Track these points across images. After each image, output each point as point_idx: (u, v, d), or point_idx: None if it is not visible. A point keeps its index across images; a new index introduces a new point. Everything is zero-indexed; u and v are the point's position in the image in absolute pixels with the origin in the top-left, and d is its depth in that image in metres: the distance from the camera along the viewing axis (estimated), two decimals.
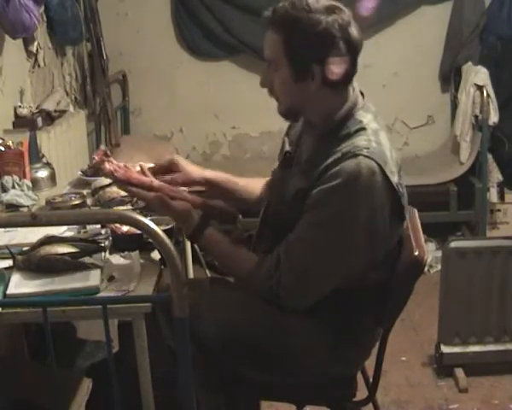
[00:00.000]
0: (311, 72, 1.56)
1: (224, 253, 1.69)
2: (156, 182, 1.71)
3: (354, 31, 1.57)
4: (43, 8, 3.23)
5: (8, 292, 1.61)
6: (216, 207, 1.71)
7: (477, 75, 3.83)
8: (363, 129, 1.58)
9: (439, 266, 3.11)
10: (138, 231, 1.53)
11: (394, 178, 1.55)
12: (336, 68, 1.56)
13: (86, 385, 1.93)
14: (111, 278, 1.68)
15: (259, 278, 1.61)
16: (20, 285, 1.64)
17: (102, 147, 1.73)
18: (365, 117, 1.61)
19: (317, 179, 1.55)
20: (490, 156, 3.93)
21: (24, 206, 2.22)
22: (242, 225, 1.75)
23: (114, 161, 1.72)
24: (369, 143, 1.54)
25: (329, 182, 1.52)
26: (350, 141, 1.55)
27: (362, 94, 1.66)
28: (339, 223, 1.53)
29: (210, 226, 1.67)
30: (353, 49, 1.57)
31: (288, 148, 1.78)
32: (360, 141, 1.55)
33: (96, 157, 1.69)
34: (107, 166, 1.69)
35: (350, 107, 1.61)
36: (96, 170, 1.71)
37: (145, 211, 2.07)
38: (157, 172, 1.79)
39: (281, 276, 1.58)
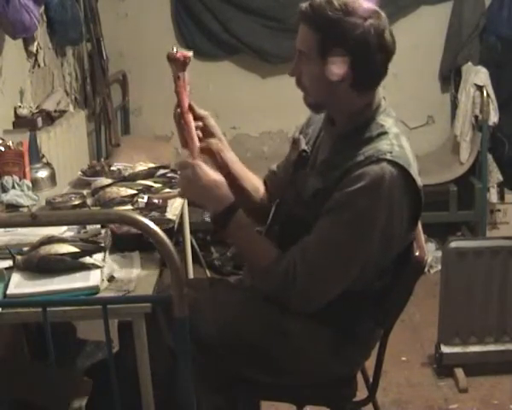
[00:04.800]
0: None
1: (249, 239, 1.65)
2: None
3: (389, 35, 1.57)
4: (43, 8, 3.23)
5: (8, 292, 1.61)
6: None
7: (477, 75, 3.83)
8: (385, 133, 1.58)
9: (439, 266, 3.11)
10: (138, 232, 1.53)
11: (419, 181, 1.56)
12: (366, 72, 1.57)
13: (86, 385, 1.93)
14: (111, 278, 1.68)
15: (275, 274, 1.60)
16: (20, 285, 1.64)
17: (190, 53, 1.74)
18: (386, 121, 1.61)
19: (337, 181, 1.55)
20: (490, 156, 3.93)
21: (24, 206, 2.22)
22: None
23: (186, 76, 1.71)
24: (391, 146, 1.54)
25: (352, 185, 1.51)
26: (372, 145, 1.55)
27: (384, 99, 1.66)
28: (358, 226, 1.53)
29: (240, 209, 1.65)
30: (386, 54, 1.58)
31: (304, 146, 1.77)
32: (383, 145, 1.55)
33: (180, 56, 1.70)
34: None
35: (373, 110, 1.62)
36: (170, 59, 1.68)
37: (144, 211, 2.08)
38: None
39: (296, 276, 1.56)
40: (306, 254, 1.57)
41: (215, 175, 1.65)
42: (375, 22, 1.54)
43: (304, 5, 1.60)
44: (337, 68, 1.54)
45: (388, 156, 1.52)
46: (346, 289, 1.60)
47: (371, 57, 1.56)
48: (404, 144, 1.58)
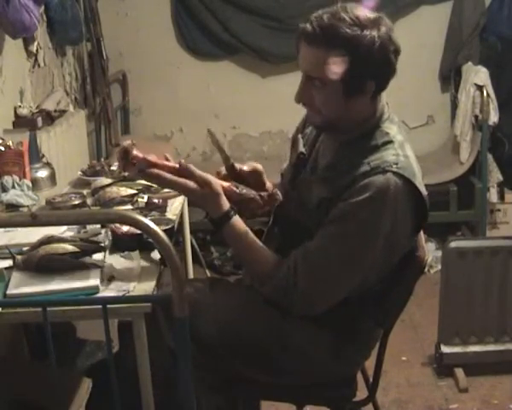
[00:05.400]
0: (364, 87, 1.54)
1: (246, 246, 1.64)
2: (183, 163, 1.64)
3: (395, 38, 1.55)
4: (43, 8, 3.23)
5: (8, 292, 1.61)
6: (243, 190, 1.67)
7: (477, 75, 3.83)
8: (391, 142, 1.57)
9: (439, 266, 3.12)
10: (138, 231, 1.53)
11: (423, 190, 1.55)
12: (385, 80, 1.57)
13: (86, 385, 1.93)
14: (111, 278, 1.68)
15: (276, 280, 1.59)
16: (20, 285, 1.64)
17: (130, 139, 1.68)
18: (391, 129, 1.60)
19: (342, 190, 1.54)
20: (490, 156, 3.93)
21: (24, 206, 2.22)
22: None
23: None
24: (397, 157, 1.54)
25: (357, 195, 1.50)
26: (378, 154, 1.55)
27: (387, 104, 1.65)
28: (362, 237, 1.53)
29: (237, 215, 1.63)
30: (397, 56, 1.57)
31: (302, 148, 1.75)
32: (388, 156, 1.54)
33: (125, 144, 1.63)
34: (135, 151, 1.62)
35: (378, 117, 1.61)
36: (124, 153, 1.62)
37: (144, 211, 2.08)
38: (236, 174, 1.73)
39: (297, 282, 1.56)
40: (308, 261, 1.56)
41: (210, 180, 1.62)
42: (386, 28, 1.52)
43: (308, 26, 1.52)
44: (337, 68, 1.53)
45: (394, 168, 1.51)
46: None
47: (390, 64, 1.55)
48: (408, 153, 1.58)
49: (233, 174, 1.72)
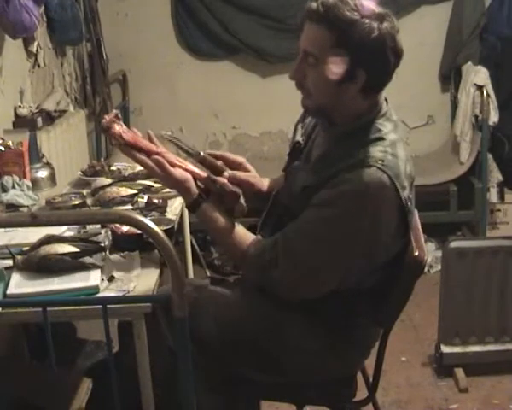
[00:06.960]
0: (354, 74, 1.54)
1: (220, 229, 1.66)
2: (163, 149, 1.69)
3: (399, 39, 1.56)
4: (43, 8, 3.23)
5: (8, 292, 1.61)
6: (218, 182, 1.68)
7: (477, 75, 3.83)
8: (382, 139, 1.57)
9: (439, 266, 3.12)
10: (138, 231, 1.53)
11: (404, 193, 1.54)
12: (378, 77, 1.57)
13: (86, 385, 1.93)
14: (111, 278, 1.68)
15: (254, 256, 1.60)
16: (20, 285, 1.64)
17: (115, 111, 1.73)
18: (386, 126, 1.60)
19: (326, 179, 1.54)
20: (490, 156, 3.93)
21: (24, 206, 2.22)
22: (245, 203, 1.71)
23: (124, 125, 1.69)
24: (384, 155, 1.53)
25: (339, 186, 1.50)
26: (367, 149, 1.54)
27: (385, 101, 1.65)
28: (341, 226, 1.52)
29: (209, 201, 1.66)
30: (398, 59, 1.57)
31: (299, 137, 1.77)
32: (376, 152, 1.54)
33: (107, 117, 1.67)
34: (117, 127, 1.65)
35: (374, 113, 1.60)
36: (104, 130, 1.67)
37: (144, 211, 2.08)
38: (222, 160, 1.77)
39: (278, 259, 1.56)
40: (288, 239, 1.57)
41: (176, 173, 1.65)
42: (390, 25, 1.53)
43: (313, 4, 1.55)
44: (336, 68, 1.53)
45: (379, 164, 1.50)
46: (340, 289, 1.59)
47: (386, 61, 1.55)
48: (398, 153, 1.56)
49: (210, 165, 1.74)
